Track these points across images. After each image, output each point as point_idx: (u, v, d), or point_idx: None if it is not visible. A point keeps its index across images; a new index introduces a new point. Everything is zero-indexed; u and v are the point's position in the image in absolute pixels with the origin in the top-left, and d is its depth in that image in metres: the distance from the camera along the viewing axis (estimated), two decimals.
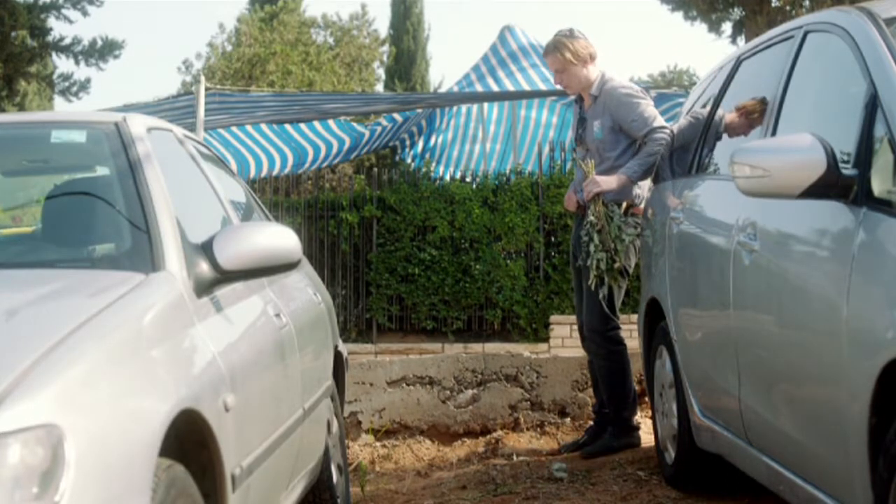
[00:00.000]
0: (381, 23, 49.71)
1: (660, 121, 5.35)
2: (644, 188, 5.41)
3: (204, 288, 2.82)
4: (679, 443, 4.53)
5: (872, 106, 2.90)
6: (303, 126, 13.22)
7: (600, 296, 5.25)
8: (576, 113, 5.68)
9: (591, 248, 5.24)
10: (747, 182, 3.05)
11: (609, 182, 5.26)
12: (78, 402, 1.97)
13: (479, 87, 12.85)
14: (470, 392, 6.05)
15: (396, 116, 13.87)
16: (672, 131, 5.19)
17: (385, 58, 26.96)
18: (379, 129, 14.06)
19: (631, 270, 5.39)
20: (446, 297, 11.34)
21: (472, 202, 11.28)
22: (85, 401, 1.99)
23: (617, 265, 5.22)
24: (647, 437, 5.47)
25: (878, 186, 2.77)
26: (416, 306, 11.42)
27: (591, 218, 5.26)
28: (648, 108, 5.37)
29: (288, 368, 3.40)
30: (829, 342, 2.86)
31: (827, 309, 2.89)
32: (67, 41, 16.25)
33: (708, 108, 4.69)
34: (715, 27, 14.49)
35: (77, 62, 16.36)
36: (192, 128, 9.02)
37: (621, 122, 5.37)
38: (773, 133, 3.60)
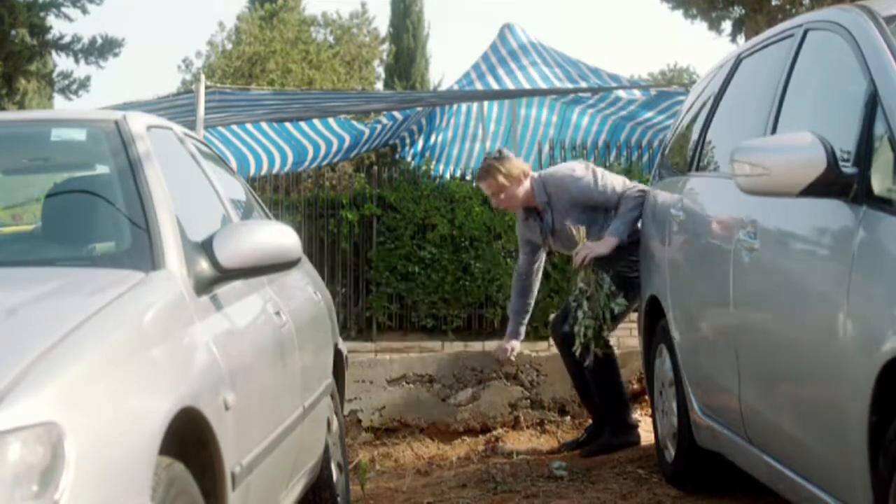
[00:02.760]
0: (381, 21, 49.70)
1: (623, 183, 5.44)
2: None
3: (204, 286, 2.82)
4: (679, 441, 4.53)
5: (872, 104, 2.90)
6: (303, 124, 13.21)
7: (585, 363, 5.30)
8: (534, 227, 5.70)
9: (580, 314, 5.28)
10: (747, 180, 3.05)
11: (601, 246, 5.31)
12: (78, 400, 1.97)
13: (478, 86, 12.84)
14: (470, 390, 6.05)
15: (396, 114, 13.86)
16: (640, 189, 5.35)
17: (385, 56, 27.00)
18: (379, 127, 14.05)
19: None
20: (446, 296, 11.33)
21: (472, 201, 11.26)
22: (85, 399, 1.99)
23: (605, 334, 5.27)
24: (646, 436, 5.47)
25: (879, 185, 2.77)
26: (416, 304, 11.41)
27: (581, 285, 5.32)
28: (603, 178, 5.47)
29: (288, 367, 3.40)
30: (829, 341, 2.86)
31: (827, 307, 2.89)
32: (67, 39, 16.27)
33: (708, 106, 4.69)
34: (715, 25, 14.51)
35: (77, 60, 16.38)
36: (191, 126, 9.01)
37: (590, 202, 5.46)
38: (773, 131, 3.60)
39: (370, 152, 16.29)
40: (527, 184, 5.58)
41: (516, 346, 5.95)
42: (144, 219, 2.84)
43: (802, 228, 3.25)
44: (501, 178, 5.54)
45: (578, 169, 5.56)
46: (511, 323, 5.96)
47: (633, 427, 5.47)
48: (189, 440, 2.40)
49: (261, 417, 2.99)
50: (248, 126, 12.71)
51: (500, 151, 5.71)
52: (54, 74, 17.14)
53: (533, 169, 11.36)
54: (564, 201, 5.50)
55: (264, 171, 13.01)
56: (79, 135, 3.33)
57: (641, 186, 5.45)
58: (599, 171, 5.53)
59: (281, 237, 2.95)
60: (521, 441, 5.80)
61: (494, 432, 5.90)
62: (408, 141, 14.91)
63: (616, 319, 5.38)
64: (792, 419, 3.26)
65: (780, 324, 3.36)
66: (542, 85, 12.51)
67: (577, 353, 5.30)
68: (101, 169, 3.26)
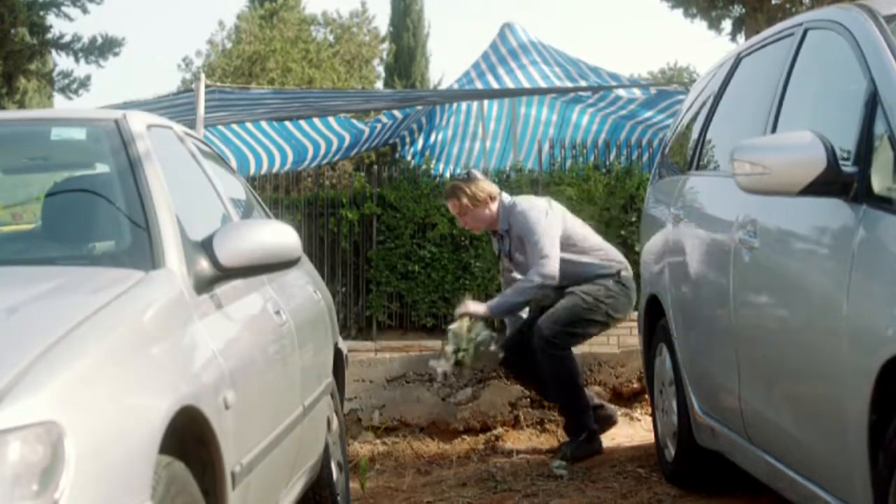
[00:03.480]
0: (381, 20, 49.64)
1: (546, 252, 5.44)
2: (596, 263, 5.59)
3: (204, 285, 2.82)
4: (679, 440, 4.54)
5: (872, 103, 2.90)
6: (303, 123, 13.21)
7: (439, 370, 5.67)
8: (496, 247, 5.88)
9: (448, 346, 5.60)
10: (747, 179, 3.05)
11: (477, 308, 5.62)
12: (78, 399, 1.97)
13: (479, 85, 12.84)
14: (469, 389, 6.05)
15: (396, 113, 13.86)
16: (549, 276, 5.42)
17: (385, 55, 26.99)
18: (379, 126, 14.04)
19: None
20: (446, 295, 11.33)
21: None
22: (85, 398, 1.99)
23: (462, 358, 5.53)
24: (647, 435, 5.47)
25: (879, 184, 2.77)
26: (416, 304, 11.41)
27: (453, 326, 5.58)
28: (544, 234, 5.48)
29: (288, 366, 3.40)
30: (829, 339, 2.86)
31: (827, 306, 2.89)
32: (67, 38, 16.25)
33: (708, 105, 4.69)
34: (715, 24, 14.51)
35: (77, 59, 16.35)
36: (191, 125, 9.01)
37: (525, 241, 5.53)
38: (774, 130, 3.60)
39: (370, 151, 16.29)
40: (493, 207, 5.66)
41: None
42: (144, 218, 2.84)
43: (802, 227, 3.25)
44: (465, 200, 5.64)
45: (537, 210, 5.58)
46: (509, 328, 5.98)
47: (595, 431, 5.43)
48: (189, 439, 2.40)
49: (261, 416, 2.99)
50: (248, 125, 12.71)
51: (468, 173, 5.83)
52: (54, 73, 17.12)
53: (533, 167, 11.27)
54: (516, 233, 5.60)
55: (264, 169, 13.02)
56: (79, 134, 3.32)
57: (547, 275, 5.42)
58: (550, 223, 5.52)
59: (281, 236, 2.95)
60: (520, 440, 5.80)
61: (494, 431, 5.90)
62: (408, 140, 14.91)
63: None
64: (792, 418, 3.26)
65: (780, 323, 3.36)
66: (542, 84, 12.51)
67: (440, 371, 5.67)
68: (101, 168, 3.26)
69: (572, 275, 5.48)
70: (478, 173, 5.82)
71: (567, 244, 5.54)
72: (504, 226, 5.64)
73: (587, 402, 5.46)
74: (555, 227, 5.53)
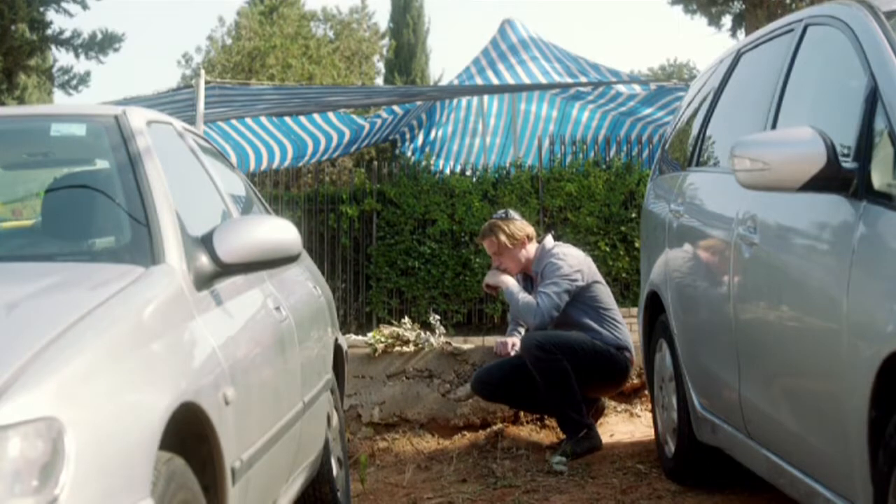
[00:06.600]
0: (381, 16, 49.68)
1: (556, 297, 5.41)
2: None
3: (204, 281, 2.82)
4: (679, 436, 4.54)
5: (872, 99, 2.90)
6: (302, 119, 13.21)
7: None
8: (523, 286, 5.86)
9: None
10: (747, 175, 3.05)
11: (499, 281, 5.63)
12: (78, 395, 1.97)
13: (479, 81, 12.83)
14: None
15: (396, 109, 13.85)
16: (545, 316, 5.38)
17: (385, 51, 27.02)
18: (379, 121, 14.04)
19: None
20: (446, 291, 11.33)
21: (472, 196, 11.28)
22: (85, 394, 1.99)
23: None
24: (647, 431, 5.47)
25: (879, 180, 2.77)
26: (416, 300, 11.41)
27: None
28: (563, 282, 5.44)
29: (288, 362, 3.40)
30: (829, 335, 2.86)
31: (827, 302, 2.89)
32: (67, 34, 16.26)
33: (708, 101, 4.69)
34: (715, 20, 14.54)
35: (77, 55, 16.37)
36: (191, 121, 9.00)
37: (544, 279, 5.49)
38: (774, 126, 3.59)
39: (370, 147, 16.30)
40: (530, 248, 5.65)
41: (518, 343, 5.94)
42: (144, 214, 2.84)
43: (802, 223, 3.25)
44: (503, 238, 5.62)
45: (574, 260, 5.54)
46: (511, 325, 5.97)
47: (590, 426, 5.42)
48: (189, 435, 2.41)
49: (261, 412, 2.99)
50: (248, 121, 12.71)
51: (506, 212, 5.80)
52: (54, 69, 17.15)
53: (533, 164, 11.21)
54: (541, 272, 5.58)
55: (264, 166, 13.02)
56: (79, 130, 3.32)
57: (546, 313, 5.41)
58: (575, 278, 5.48)
59: (281, 232, 2.95)
60: (521, 436, 5.80)
61: (494, 427, 5.90)
62: (408, 136, 14.91)
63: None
64: (792, 414, 3.26)
65: (780, 319, 3.36)
66: (543, 80, 12.50)
67: None
68: (101, 164, 3.26)
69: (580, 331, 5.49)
70: (515, 213, 5.79)
71: (589, 305, 5.53)
72: (537, 268, 5.61)
73: (580, 399, 5.43)
74: (576, 283, 5.50)
